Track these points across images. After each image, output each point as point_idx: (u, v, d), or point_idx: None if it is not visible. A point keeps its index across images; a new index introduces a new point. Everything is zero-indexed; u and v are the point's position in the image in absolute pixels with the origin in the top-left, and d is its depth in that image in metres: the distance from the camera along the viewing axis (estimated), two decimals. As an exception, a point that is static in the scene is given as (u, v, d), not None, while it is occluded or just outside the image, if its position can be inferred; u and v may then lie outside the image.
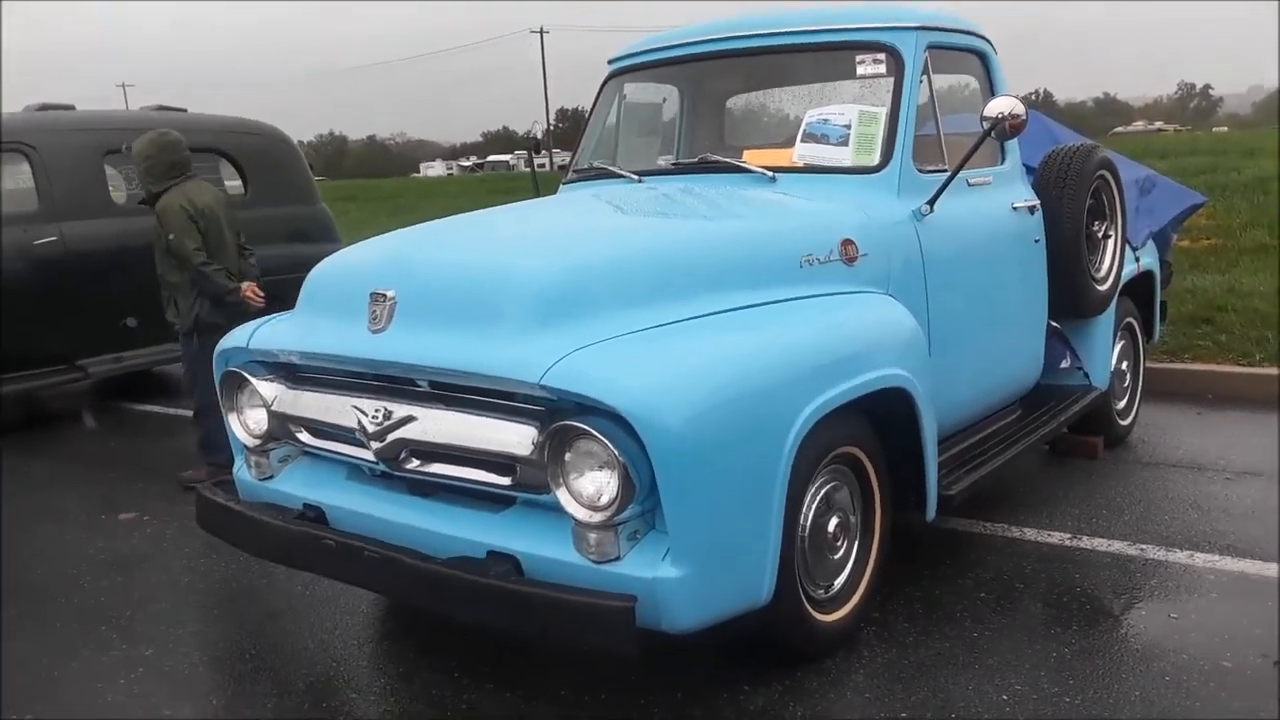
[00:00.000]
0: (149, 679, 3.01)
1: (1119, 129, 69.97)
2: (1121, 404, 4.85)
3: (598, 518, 2.39)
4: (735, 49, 3.76)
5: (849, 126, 3.43)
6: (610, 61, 4.20)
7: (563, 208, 3.61)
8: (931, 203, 3.32)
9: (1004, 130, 3.24)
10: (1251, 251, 7.94)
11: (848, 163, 3.40)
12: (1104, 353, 4.45)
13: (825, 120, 3.46)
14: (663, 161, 4.17)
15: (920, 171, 3.40)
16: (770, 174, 3.43)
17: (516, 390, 2.50)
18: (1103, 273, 4.27)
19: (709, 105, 4.32)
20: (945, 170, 3.44)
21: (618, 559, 2.41)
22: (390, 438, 2.70)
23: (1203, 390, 5.65)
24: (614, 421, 2.34)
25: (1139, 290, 4.91)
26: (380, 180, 52.24)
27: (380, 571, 2.63)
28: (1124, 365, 4.84)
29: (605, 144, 4.21)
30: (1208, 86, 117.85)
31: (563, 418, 2.39)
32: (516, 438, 2.49)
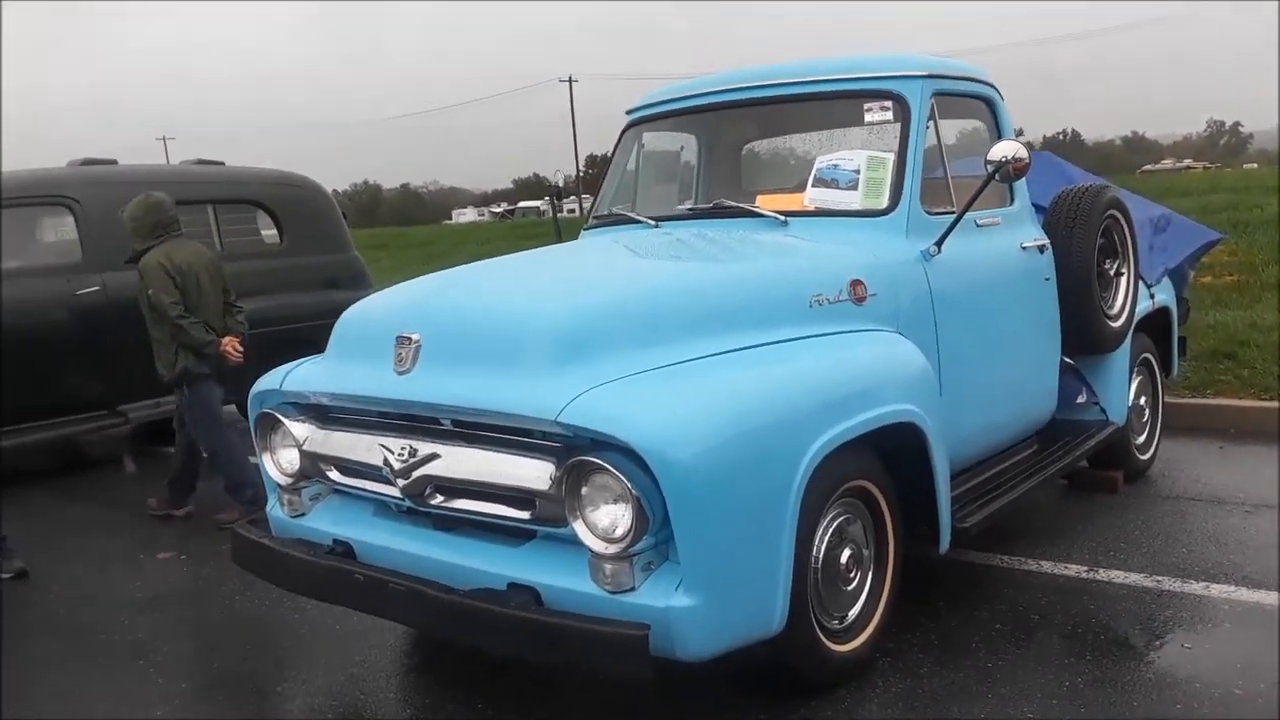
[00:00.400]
0: (184, 710, 3.12)
1: (1148, 167, 69.75)
2: (1141, 439, 4.88)
3: (613, 549, 2.48)
4: (748, 99, 3.90)
5: (858, 171, 3.54)
6: (628, 112, 4.35)
7: (581, 253, 3.74)
8: (939, 243, 3.41)
9: (1008, 173, 3.34)
10: (1274, 287, 7.93)
11: (857, 206, 3.51)
12: (1120, 388, 4.50)
13: (835, 165, 3.58)
14: (682, 208, 4.31)
15: (928, 214, 3.50)
16: (782, 218, 3.55)
17: (535, 427, 2.61)
18: (1116, 309, 4.33)
19: (724, 152, 4.45)
20: (953, 212, 3.54)
21: (633, 589, 2.49)
22: (415, 474, 2.82)
23: (1225, 425, 5.66)
24: (628, 457, 2.44)
25: (1155, 326, 4.96)
26: (413, 228, 52.98)
27: (405, 603, 2.73)
28: (1142, 400, 4.88)
29: (624, 191, 4.35)
30: (1237, 124, 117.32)
31: (579, 453, 2.50)
32: (535, 473, 2.59)
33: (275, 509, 3.38)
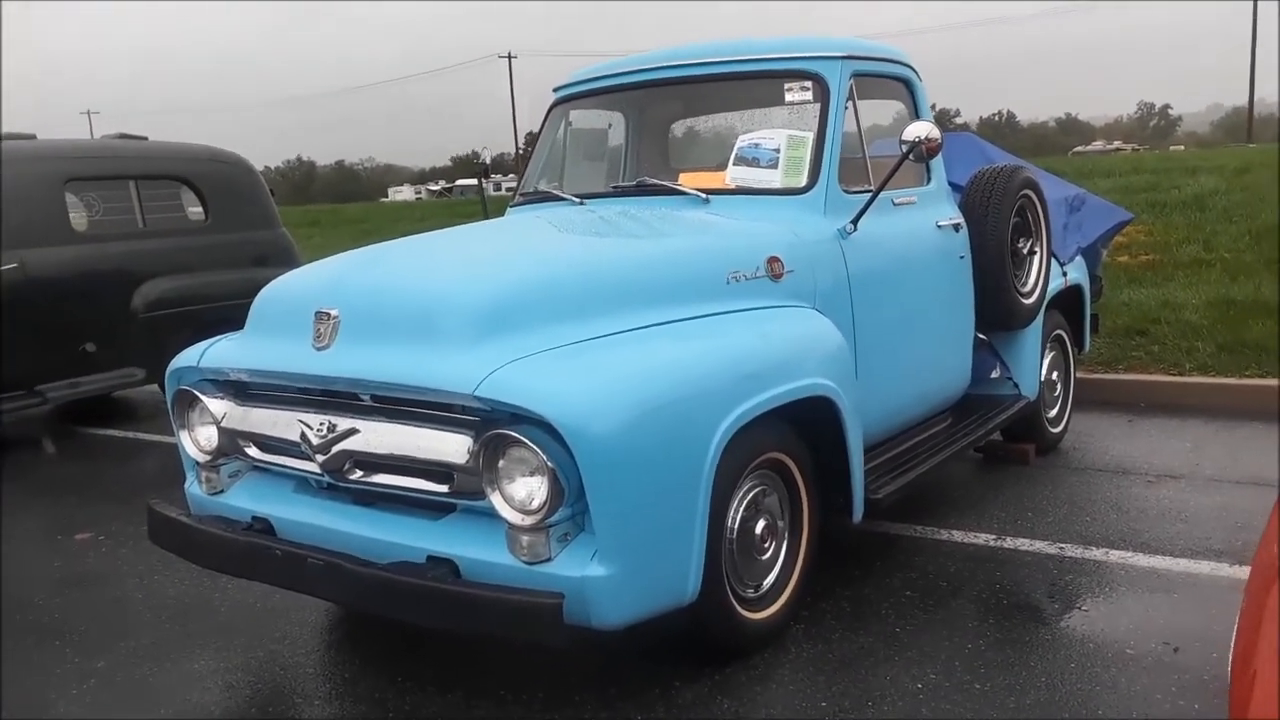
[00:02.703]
0: (100, 689, 3.10)
1: (1079, 148, 71.15)
2: (1053, 412, 5.05)
3: (529, 521, 2.53)
4: (673, 77, 3.94)
5: (779, 150, 3.60)
6: (555, 90, 4.37)
7: (503, 230, 3.76)
8: (855, 221, 3.49)
9: (921, 153, 3.42)
10: (1186, 266, 8.22)
11: (777, 184, 3.58)
12: (1032, 363, 4.64)
13: (756, 145, 3.64)
14: (607, 186, 4.34)
15: (846, 192, 3.58)
16: (704, 196, 3.60)
17: (453, 402, 2.64)
18: (1028, 287, 4.46)
19: (651, 131, 4.49)
20: (870, 190, 3.63)
21: (549, 560, 2.54)
22: (335, 450, 2.83)
23: (1135, 399, 5.87)
24: (544, 430, 2.48)
25: (1068, 303, 5.12)
26: (347, 205, 52.21)
27: (324, 578, 2.74)
28: (1054, 375, 5.04)
29: (552, 168, 4.37)
30: (1167, 106, 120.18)
31: (496, 427, 2.53)
32: (453, 447, 2.62)
33: (193, 486, 3.36)
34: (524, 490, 2.54)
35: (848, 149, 3.68)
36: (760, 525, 3.03)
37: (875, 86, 3.94)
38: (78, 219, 7.07)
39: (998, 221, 4.19)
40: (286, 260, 8.07)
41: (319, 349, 2.84)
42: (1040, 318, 4.59)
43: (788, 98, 3.70)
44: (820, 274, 3.41)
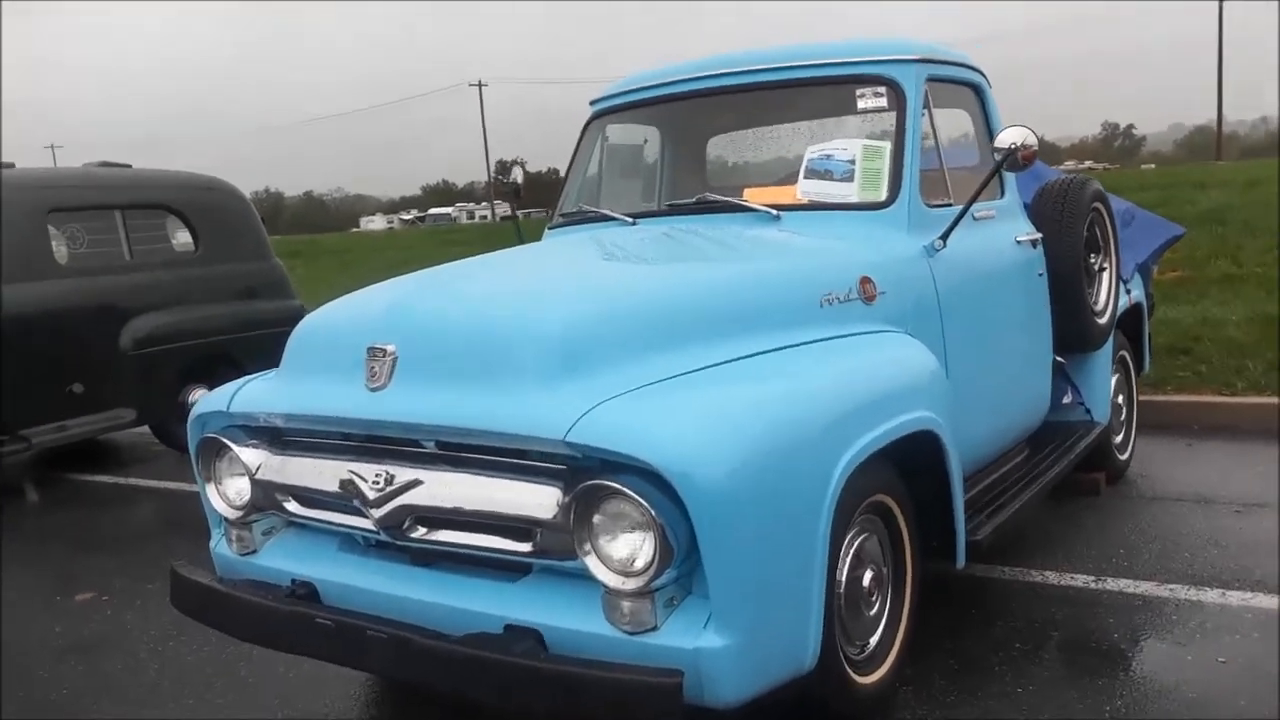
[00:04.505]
0: (123, 782, 2.72)
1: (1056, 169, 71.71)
2: (1119, 438, 4.77)
3: (632, 584, 2.19)
4: (728, 86, 3.63)
5: (853, 161, 3.31)
6: (592, 103, 4.07)
7: (563, 252, 3.41)
8: (944, 237, 3.20)
9: (1017, 161, 3.14)
10: (1218, 282, 8.01)
11: (854, 199, 3.28)
12: (1104, 386, 4.37)
13: (828, 156, 3.34)
14: (651, 204, 4.03)
15: (928, 206, 3.29)
16: (775, 212, 3.30)
17: (536, 448, 2.30)
18: (1100, 305, 4.19)
19: (699, 145, 4.19)
20: (950, 204, 3.35)
21: (654, 629, 2.20)
22: (393, 504, 2.48)
23: (1187, 421, 5.61)
24: (645, 478, 2.15)
25: (1128, 322, 4.86)
26: (324, 235, 51.66)
27: (388, 653, 2.38)
28: (1119, 398, 4.77)
29: (590, 187, 4.06)
30: (1130, 126, 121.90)
31: (589, 477, 2.20)
32: (538, 500, 2.28)
33: (221, 546, 2.99)
34: (625, 549, 2.20)
35: (924, 159, 3.39)
36: (868, 577, 2.71)
37: (945, 93, 3.66)
38: (61, 252, 6.67)
39: (1072, 236, 3.92)
40: (280, 293, 7.73)
41: (373, 389, 2.50)
42: (1111, 338, 4.32)
43: (859, 105, 3.40)
44: (908, 295, 3.11)
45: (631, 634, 2.21)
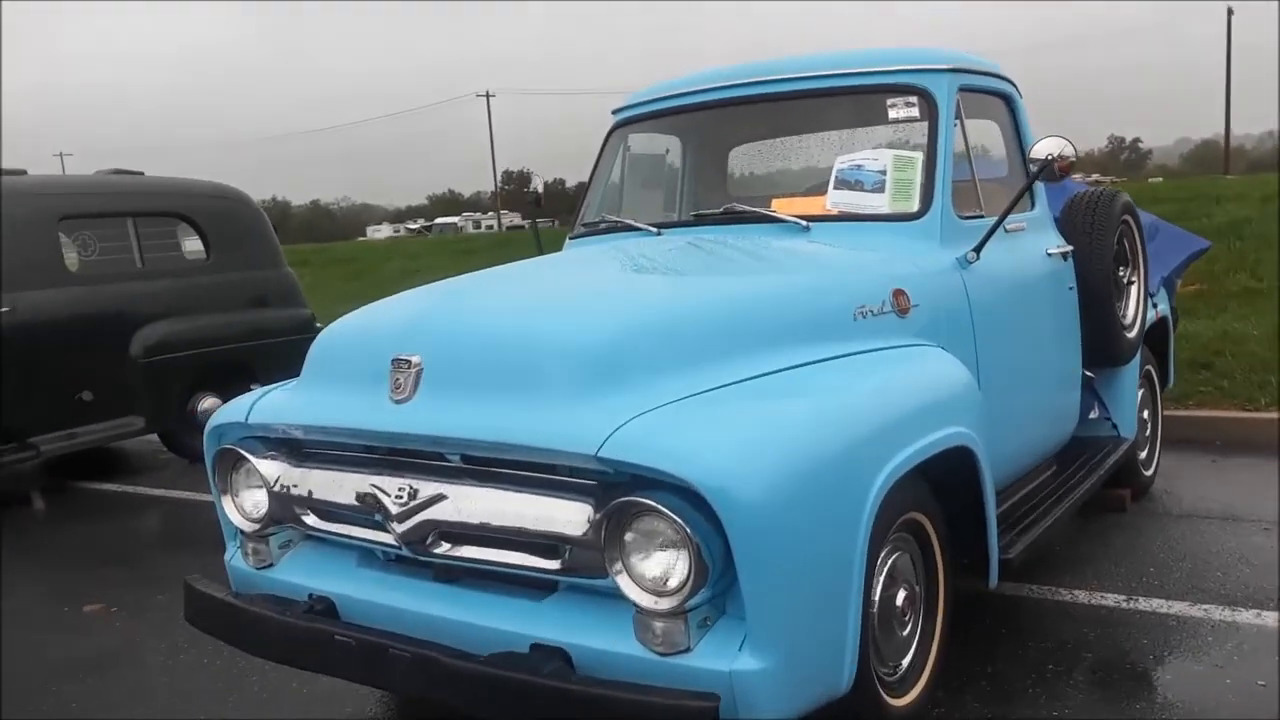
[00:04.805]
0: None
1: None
2: (1144, 454, 4.69)
3: (665, 604, 2.12)
4: (754, 95, 3.58)
5: (884, 172, 3.25)
6: (614, 112, 4.01)
7: (589, 263, 3.34)
8: (978, 250, 3.14)
9: (1053, 172, 3.08)
10: (1237, 295, 7.94)
11: (885, 209, 3.22)
12: (1130, 401, 4.30)
13: (858, 166, 3.28)
14: (673, 214, 3.97)
15: (960, 218, 3.23)
16: (804, 223, 3.23)
17: (566, 463, 2.24)
18: (1129, 319, 4.13)
19: (721, 155, 4.13)
20: (982, 216, 3.29)
21: (687, 650, 2.13)
22: (417, 519, 2.41)
23: (1210, 437, 5.54)
24: (678, 495, 2.09)
25: (1153, 337, 4.79)
26: (332, 244, 51.70)
27: (411, 673, 2.31)
28: (1144, 414, 4.69)
29: (611, 197, 4.00)
30: (1137, 140, 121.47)
31: (621, 493, 2.13)
32: (568, 516, 2.22)
33: (236, 559, 2.93)
34: (659, 567, 2.14)
35: (956, 170, 3.33)
36: (901, 596, 2.64)
37: (976, 103, 3.60)
38: (72, 259, 6.63)
39: (1103, 249, 3.85)
40: (292, 301, 7.69)
41: (398, 401, 2.43)
42: (1138, 352, 4.25)
43: (890, 114, 3.35)
44: (942, 308, 3.04)
45: (664, 655, 2.14)
